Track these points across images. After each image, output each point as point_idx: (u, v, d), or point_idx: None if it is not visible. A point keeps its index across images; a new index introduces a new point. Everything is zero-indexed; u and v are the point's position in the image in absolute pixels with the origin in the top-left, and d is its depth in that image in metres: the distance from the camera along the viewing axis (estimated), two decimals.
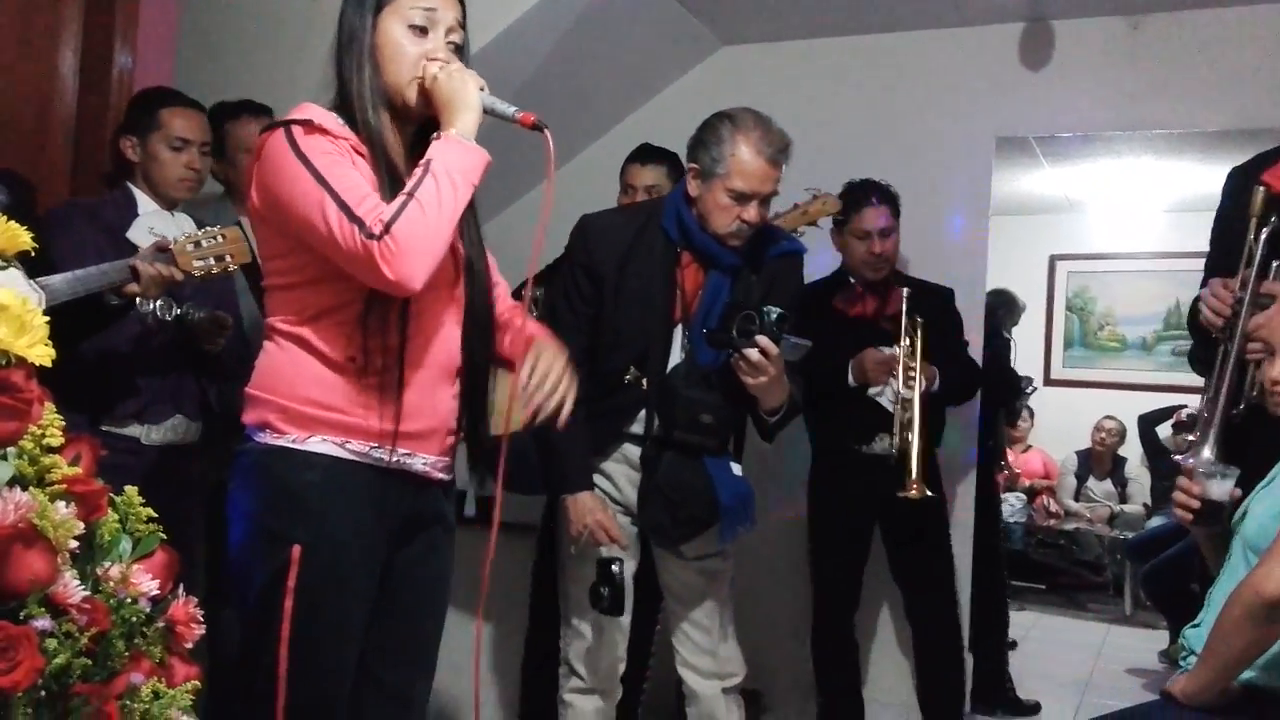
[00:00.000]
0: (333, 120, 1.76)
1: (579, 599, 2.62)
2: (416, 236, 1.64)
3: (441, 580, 1.95)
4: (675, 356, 2.58)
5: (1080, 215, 7.63)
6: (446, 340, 1.85)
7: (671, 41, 4.17)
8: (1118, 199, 6.98)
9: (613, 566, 2.47)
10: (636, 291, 2.55)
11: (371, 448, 1.77)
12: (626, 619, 2.62)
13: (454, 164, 1.71)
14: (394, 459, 1.78)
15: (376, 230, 1.62)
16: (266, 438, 1.76)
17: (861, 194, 3.41)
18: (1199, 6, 3.68)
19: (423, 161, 1.71)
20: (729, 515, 2.53)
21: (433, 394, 1.82)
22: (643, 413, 2.58)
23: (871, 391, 3.35)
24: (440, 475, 1.88)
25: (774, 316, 2.38)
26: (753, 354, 2.36)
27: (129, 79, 3.05)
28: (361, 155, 1.76)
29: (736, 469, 2.59)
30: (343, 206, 1.64)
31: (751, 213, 2.48)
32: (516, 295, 2.10)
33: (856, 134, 4.08)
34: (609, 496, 2.61)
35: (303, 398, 1.75)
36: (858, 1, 3.88)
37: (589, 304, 2.57)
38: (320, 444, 1.75)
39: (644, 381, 2.55)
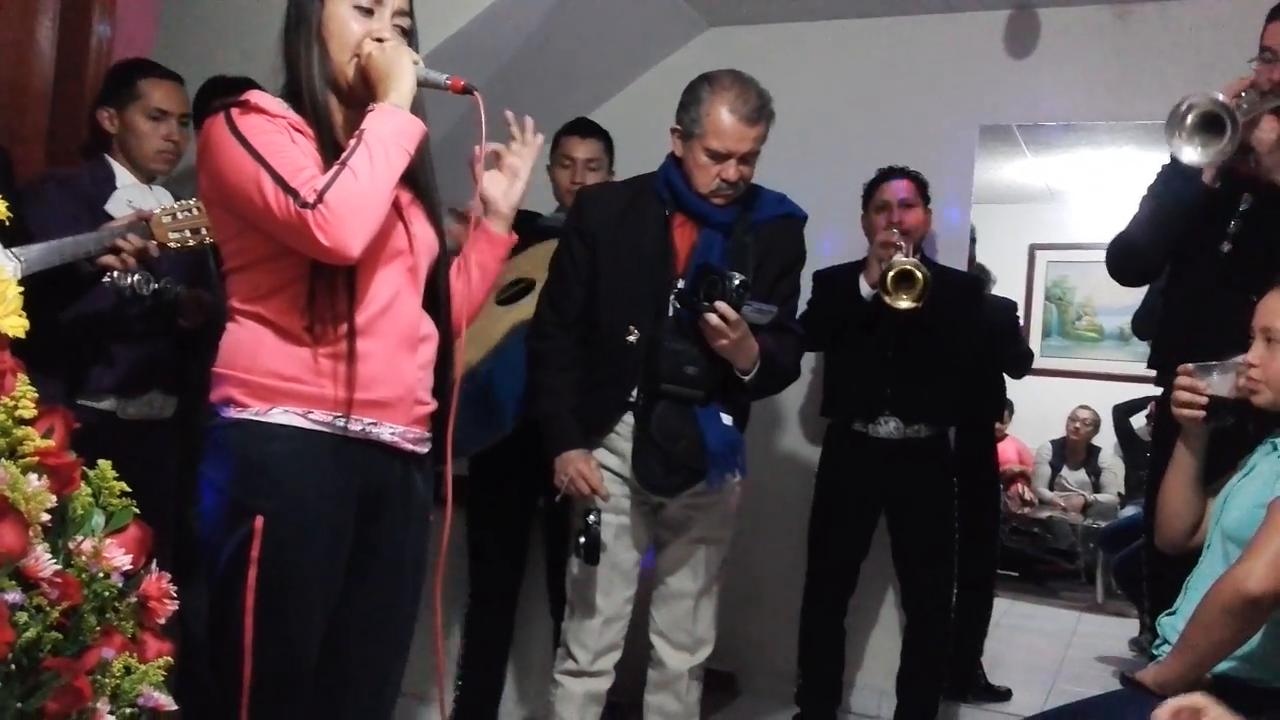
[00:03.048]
0: (272, 102, 1.77)
1: (582, 581, 2.64)
2: (350, 204, 1.66)
3: (417, 557, 1.95)
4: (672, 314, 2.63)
5: (1061, 205, 7.65)
6: (404, 310, 1.85)
7: (658, 22, 4.15)
8: (1099, 189, 7.00)
9: (589, 517, 2.53)
10: (630, 253, 2.61)
11: (335, 417, 1.77)
12: (627, 609, 2.67)
13: (386, 132, 1.73)
14: (359, 428, 1.79)
15: (310, 199, 1.65)
16: (231, 412, 1.77)
17: (884, 172, 3.54)
18: None
19: (357, 132, 1.74)
20: (717, 461, 2.57)
21: (394, 363, 1.83)
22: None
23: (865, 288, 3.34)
24: (411, 446, 1.88)
25: (735, 283, 2.43)
26: (711, 318, 2.42)
27: (108, 49, 3.01)
28: (303, 134, 1.77)
29: (726, 418, 2.62)
30: (277, 179, 1.67)
31: (730, 171, 2.54)
32: None
33: (840, 119, 4.09)
34: (617, 474, 2.62)
35: (263, 370, 1.76)
36: None
37: (582, 267, 2.65)
38: (283, 415, 1.76)
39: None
